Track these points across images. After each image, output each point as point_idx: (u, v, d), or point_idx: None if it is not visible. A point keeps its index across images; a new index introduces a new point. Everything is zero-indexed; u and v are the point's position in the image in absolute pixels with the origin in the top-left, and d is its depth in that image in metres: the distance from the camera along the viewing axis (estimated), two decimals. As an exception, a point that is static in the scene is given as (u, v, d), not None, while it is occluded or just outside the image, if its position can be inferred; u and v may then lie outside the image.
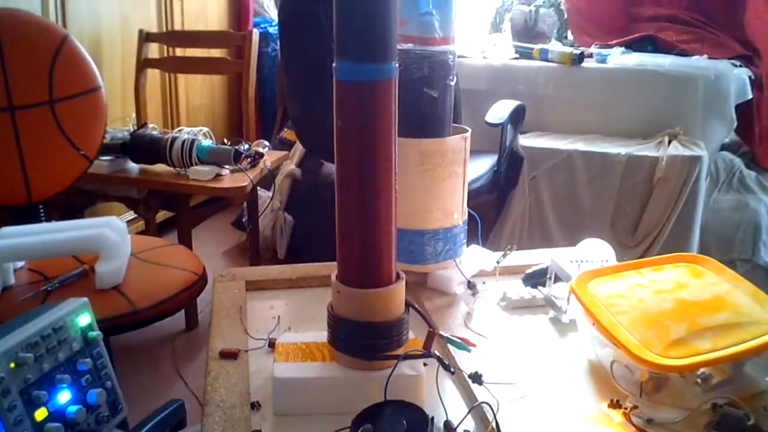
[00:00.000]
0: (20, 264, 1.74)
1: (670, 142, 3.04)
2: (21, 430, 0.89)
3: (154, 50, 3.41)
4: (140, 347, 2.54)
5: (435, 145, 1.38)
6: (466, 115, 2.57)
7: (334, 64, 1.01)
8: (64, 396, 0.97)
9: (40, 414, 0.93)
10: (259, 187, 3.08)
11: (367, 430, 0.92)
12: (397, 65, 1.02)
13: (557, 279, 1.41)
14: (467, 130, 1.44)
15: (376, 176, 1.03)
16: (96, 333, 1.04)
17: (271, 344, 1.24)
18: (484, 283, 1.50)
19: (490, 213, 3.06)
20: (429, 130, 1.40)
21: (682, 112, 3.11)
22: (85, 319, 1.03)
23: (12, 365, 0.91)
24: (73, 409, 0.97)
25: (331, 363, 1.09)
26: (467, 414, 1.01)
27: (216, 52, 3.86)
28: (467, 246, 1.54)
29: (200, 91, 3.94)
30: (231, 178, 2.59)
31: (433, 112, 1.41)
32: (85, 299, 1.05)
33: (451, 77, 1.43)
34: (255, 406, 1.08)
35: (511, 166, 2.96)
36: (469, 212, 1.53)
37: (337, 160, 1.05)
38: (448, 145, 1.40)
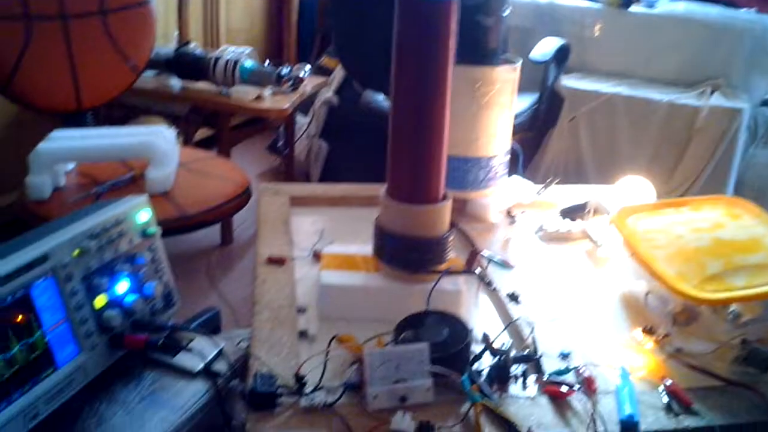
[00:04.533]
0: (71, 166, 1.79)
1: (712, 92, 3.00)
2: (81, 314, 0.94)
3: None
4: (178, 260, 2.60)
5: (486, 73, 1.40)
6: (510, 51, 2.55)
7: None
8: (122, 286, 1.03)
9: (100, 301, 0.98)
10: (297, 113, 3.10)
11: (409, 336, 0.97)
12: (459, -12, 1.03)
13: (595, 213, 1.43)
14: (517, 61, 1.45)
15: (432, 95, 1.05)
16: (155, 228, 1.09)
17: (316, 255, 1.28)
18: (522, 212, 1.53)
19: (527, 151, 3.06)
20: (481, 58, 1.41)
21: (726, 63, 3.06)
22: (144, 215, 1.08)
23: (76, 252, 0.95)
24: (130, 298, 1.02)
25: (375, 273, 1.13)
26: (505, 328, 1.06)
27: (258, -25, 3.84)
28: (508, 176, 1.56)
29: (241, 14, 3.92)
30: (272, 100, 2.62)
31: (486, 41, 1.42)
32: (145, 196, 1.10)
33: (505, 7, 1.43)
34: (301, 310, 1.12)
35: (551, 106, 2.95)
36: (511, 144, 1.54)
37: (395, 78, 1.07)
38: (498, 75, 1.41)
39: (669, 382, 0.97)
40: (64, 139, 1.69)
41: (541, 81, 2.76)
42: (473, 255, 1.12)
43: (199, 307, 2.02)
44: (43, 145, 1.63)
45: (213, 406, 1.00)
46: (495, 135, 1.46)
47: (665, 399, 0.95)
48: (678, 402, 0.94)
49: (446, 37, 1.04)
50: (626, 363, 1.01)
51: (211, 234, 2.78)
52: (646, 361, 1.05)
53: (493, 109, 1.43)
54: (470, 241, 1.21)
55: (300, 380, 0.91)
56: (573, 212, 1.49)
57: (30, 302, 0.87)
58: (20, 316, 0.86)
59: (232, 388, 0.97)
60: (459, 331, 0.98)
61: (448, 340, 0.96)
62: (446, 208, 1.11)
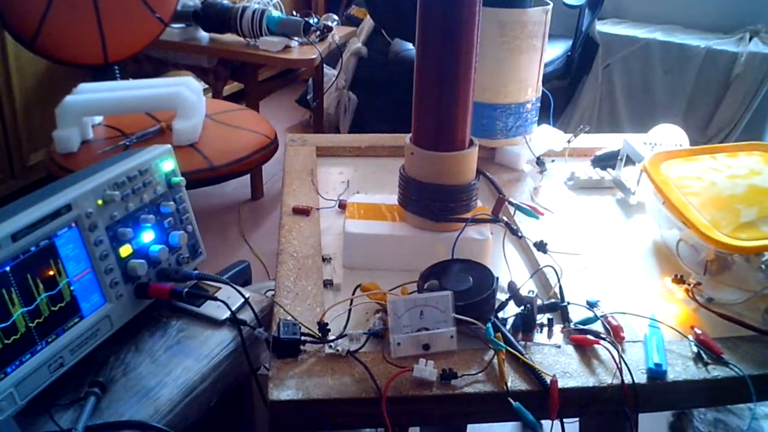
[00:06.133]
0: (98, 120, 1.80)
1: (750, 39, 2.90)
2: (106, 264, 0.95)
3: None
4: (208, 213, 2.63)
5: (516, 15, 1.35)
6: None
7: None
8: (147, 235, 1.03)
9: (125, 250, 0.99)
10: (324, 65, 3.07)
11: (434, 284, 0.96)
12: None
13: (628, 162, 1.40)
14: (549, 3, 1.41)
15: (458, 38, 1.02)
16: (179, 178, 1.08)
17: (341, 205, 1.27)
18: (553, 161, 1.50)
19: (560, 99, 3.01)
20: (510, 0, 1.36)
21: (766, 8, 2.96)
22: (168, 165, 1.08)
23: (100, 202, 0.95)
24: (156, 248, 1.02)
25: (400, 222, 1.12)
26: (531, 276, 1.04)
27: None
28: (538, 125, 1.52)
29: (269, -37, 3.87)
30: (300, 51, 2.59)
31: (515, -17, 1.37)
32: (169, 146, 1.09)
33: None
34: (326, 259, 1.12)
35: (585, 52, 2.88)
36: (542, 92, 1.51)
37: (420, 22, 1.04)
38: (529, 17, 1.36)
39: (699, 331, 0.95)
40: (90, 92, 1.70)
41: (575, 27, 2.69)
42: (500, 202, 1.10)
43: (230, 261, 2.04)
44: (70, 98, 1.64)
45: (239, 354, 1.00)
46: (525, 81, 1.42)
47: (695, 348, 0.93)
48: (708, 352, 0.92)
49: (472, -23, 1.00)
50: (656, 312, 0.99)
51: (242, 188, 2.79)
52: (676, 311, 1.03)
53: (523, 53, 1.39)
54: (497, 188, 1.19)
55: (323, 328, 0.90)
56: (605, 160, 1.46)
57: (55, 252, 0.88)
58: (45, 266, 0.87)
59: (257, 336, 0.98)
60: (484, 279, 0.96)
61: (472, 288, 0.95)
62: (472, 155, 1.08)
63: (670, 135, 1.45)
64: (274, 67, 3.45)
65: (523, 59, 1.39)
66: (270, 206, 2.77)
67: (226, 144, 1.63)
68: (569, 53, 2.73)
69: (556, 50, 2.69)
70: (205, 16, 2.64)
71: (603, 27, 2.98)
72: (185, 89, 1.64)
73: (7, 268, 0.82)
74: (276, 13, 2.57)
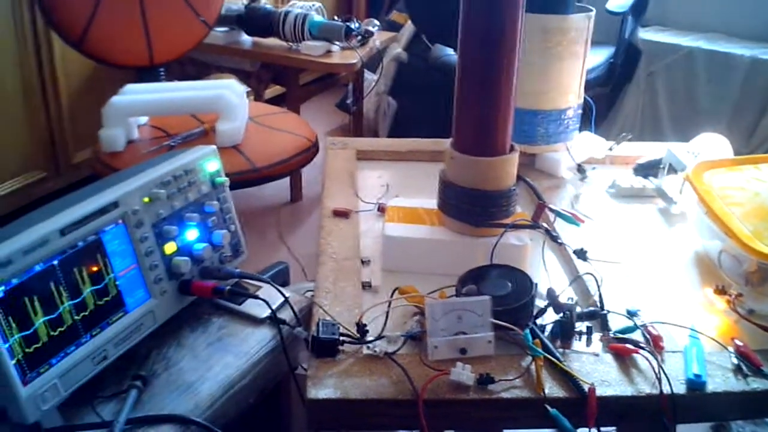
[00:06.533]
0: (143, 120, 1.84)
1: (796, 47, 2.85)
2: (151, 260, 0.97)
3: None
4: (248, 215, 2.66)
5: (558, 22, 1.35)
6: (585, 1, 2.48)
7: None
8: (192, 234, 1.05)
9: (170, 248, 1.01)
10: (365, 70, 3.08)
11: (472, 289, 0.96)
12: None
13: (671, 170, 1.38)
14: (591, 10, 1.40)
15: (500, 43, 1.02)
16: (223, 178, 1.10)
17: (381, 209, 1.28)
18: (593, 168, 1.49)
19: (602, 107, 2.98)
20: (553, 6, 1.36)
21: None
22: (213, 165, 1.09)
23: (146, 200, 0.97)
24: (199, 246, 1.04)
25: (439, 227, 1.13)
26: (571, 283, 1.04)
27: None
28: (579, 132, 1.52)
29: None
30: (341, 55, 2.61)
31: (559, -11, 1.37)
32: (214, 147, 1.11)
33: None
34: (364, 261, 1.13)
35: (628, 60, 2.85)
36: (584, 98, 1.50)
37: (462, 26, 1.04)
38: (571, 23, 1.36)
39: (740, 343, 0.94)
40: (136, 93, 1.73)
41: (618, 33, 2.67)
42: (540, 208, 1.10)
43: (268, 262, 2.06)
44: (116, 99, 1.68)
45: (278, 352, 1.02)
46: (567, 87, 1.42)
47: (735, 360, 0.92)
48: (748, 364, 0.91)
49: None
50: (696, 322, 0.98)
51: (281, 191, 2.82)
52: (716, 322, 1.02)
53: (566, 59, 1.39)
54: (537, 194, 1.19)
55: (362, 329, 0.91)
56: (647, 169, 1.44)
57: (101, 247, 0.90)
58: (92, 261, 0.89)
59: (297, 335, 0.99)
60: (523, 285, 0.96)
61: (511, 293, 0.95)
62: (512, 161, 1.08)
63: (713, 144, 1.43)
64: (316, 71, 3.47)
65: (565, 65, 1.39)
66: (309, 209, 2.79)
67: (267, 146, 1.65)
68: (612, 60, 2.70)
69: (598, 57, 2.67)
70: (249, 20, 2.68)
71: (646, 34, 2.95)
72: (228, 92, 1.66)
73: (55, 262, 0.84)
74: (318, 18, 2.59)
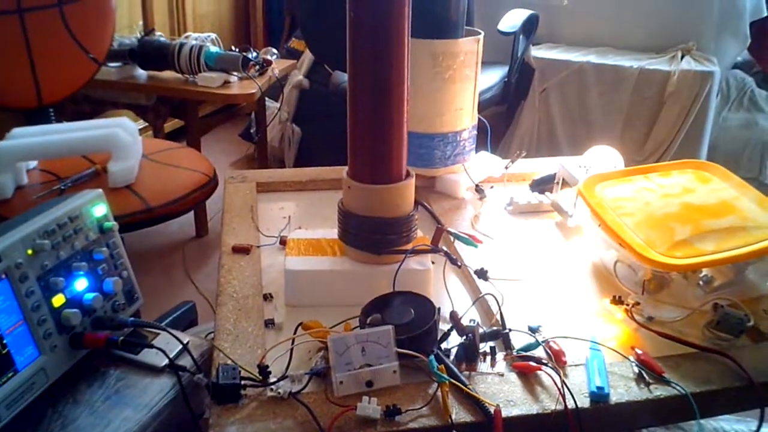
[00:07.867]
0: (33, 164, 1.75)
1: (682, 57, 3.00)
2: (39, 315, 0.92)
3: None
4: (152, 253, 2.59)
5: (447, 46, 1.37)
6: (476, 24, 2.53)
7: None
8: (81, 284, 1.00)
9: (58, 300, 0.96)
10: (267, 98, 3.06)
11: (376, 319, 0.95)
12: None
13: (564, 185, 1.42)
14: (480, 33, 1.43)
15: (389, 71, 1.02)
16: (111, 223, 1.06)
17: (283, 242, 1.26)
18: (491, 188, 1.51)
19: (499, 125, 3.05)
20: (442, 31, 1.38)
21: (696, 27, 3.06)
22: (100, 210, 1.05)
23: (29, 251, 0.93)
24: (90, 296, 0.99)
25: (341, 257, 1.11)
26: (472, 304, 1.04)
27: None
28: (476, 152, 1.54)
29: (207, -1, 3.87)
30: (239, 86, 2.58)
31: (446, 13, 1.39)
32: (100, 191, 1.07)
33: (464, -22, 1.40)
34: (267, 297, 1.11)
35: (521, 78, 2.93)
36: (479, 119, 1.52)
37: (350, 55, 1.04)
38: (461, 47, 1.38)
39: (640, 351, 0.96)
40: (24, 137, 1.65)
41: (510, 53, 2.74)
42: (438, 232, 1.11)
43: (175, 301, 2.00)
44: (3, 144, 1.60)
45: (180, 401, 0.98)
46: (461, 109, 1.44)
47: (636, 369, 0.94)
48: (649, 372, 0.93)
49: (401, 7, 1.01)
50: (596, 334, 1.00)
51: (186, 226, 2.76)
52: (616, 332, 1.04)
53: (457, 82, 1.41)
54: (435, 218, 1.20)
55: (264, 370, 0.89)
56: (542, 184, 1.48)
57: (-19, 306, 0.85)
58: (-29, 321, 0.83)
59: (198, 382, 0.95)
60: (425, 310, 0.96)
61: (413, 320, 0.94)
62: (409, 187, 1.09)
63: (604, 156, 1.48)
64: (215, 102, 3.43)
65: (458, 88, 1.41)
66: (215, 243, 2.73)
67: (163, 184, 1.60)
68: (506, 79, 2.77)
69: (493, 77, 2.73)
70: (142, 53, 2.62)
71: (538, 52, 3.05)
72: (120, 130, 1.61)
73: (-70, 326, 0.78)
74: (214, 49, 2.56)
